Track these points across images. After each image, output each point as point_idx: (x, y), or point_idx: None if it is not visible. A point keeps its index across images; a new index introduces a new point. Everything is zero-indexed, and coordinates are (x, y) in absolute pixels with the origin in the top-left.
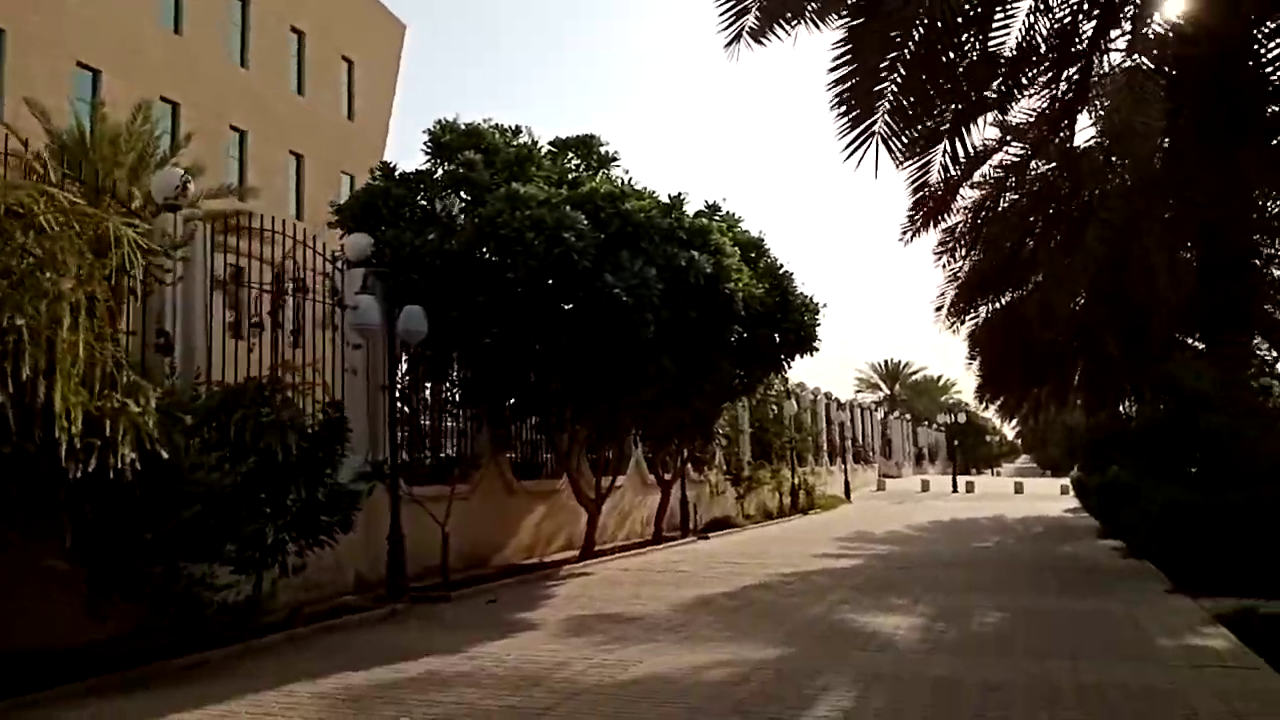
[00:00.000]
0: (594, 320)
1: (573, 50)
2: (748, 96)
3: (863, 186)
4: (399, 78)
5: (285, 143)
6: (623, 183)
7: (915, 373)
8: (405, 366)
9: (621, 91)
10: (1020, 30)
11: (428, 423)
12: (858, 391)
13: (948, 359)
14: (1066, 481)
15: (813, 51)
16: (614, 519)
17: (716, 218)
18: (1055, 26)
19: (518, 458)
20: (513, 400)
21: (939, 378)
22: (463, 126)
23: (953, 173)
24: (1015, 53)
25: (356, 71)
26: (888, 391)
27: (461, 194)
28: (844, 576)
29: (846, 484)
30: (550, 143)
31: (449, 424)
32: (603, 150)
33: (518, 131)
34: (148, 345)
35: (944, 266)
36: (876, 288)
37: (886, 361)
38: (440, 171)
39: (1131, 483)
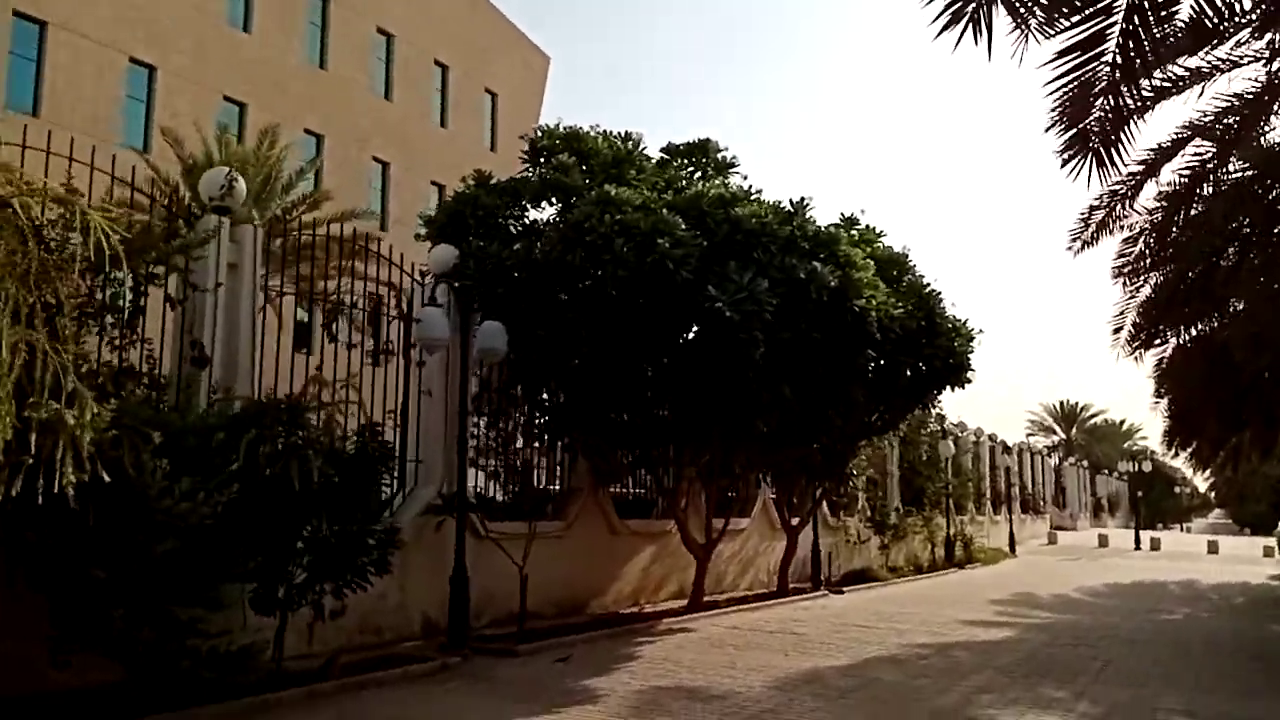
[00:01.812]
0: (697, 339)
1: (725, 77)
2: (904, 108)
3: (1043, 213)
4: (542, 108)
5: (427, 174)
6: (738, 189)
7: (1094, 415)
8: (494, 389)
9: (770, 121)
10: None
11: (520, 452)
12: (1029, 434)
13: (1131, 402)
14: (1271, 543)
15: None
16: (734, 566)
17: (853, 231)
18: None
19: (626, 493)
20: (609, 430)
21: (1121, 422)
22: (562, 130)
23: (1133, 164)
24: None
25: (500, 103)
26: (1063, 435)
27: (553, 200)
28: (992, 652)
29: (1011, 536)
30: (662, 149)
31: (546, 455)
32: (720, 156)
33: (626, 137)
34: (184, 359)
35: (1124, 284)
36: (1055, 326)
37: (1062, 403)
38: (533, 177)
39: None
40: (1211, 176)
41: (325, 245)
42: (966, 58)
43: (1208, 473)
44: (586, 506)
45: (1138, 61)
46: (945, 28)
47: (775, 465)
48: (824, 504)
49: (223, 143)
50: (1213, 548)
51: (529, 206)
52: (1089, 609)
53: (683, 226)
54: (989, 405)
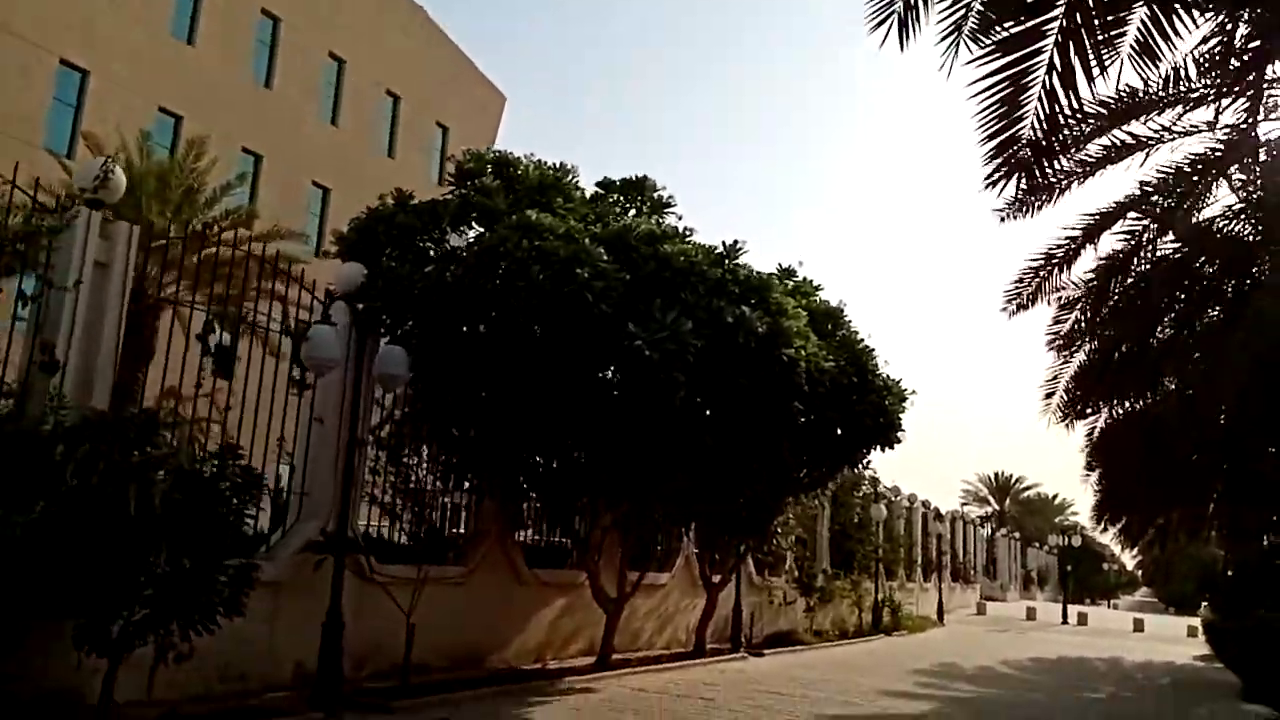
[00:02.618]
0: (616, 379)
1: (680, 123)
2: (854, 168)
3: (984, 286)
4: (494, 145)
5: (370, 201)
6: (669, 227)
7: (1028, 488)
8: (395, 417)
9: (719, 177)
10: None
11: (420, 490)
12: (964, 504)
13: (1064, 477)
14: (1195, 622)
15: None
16: (652, 623)
17: (790, 282)
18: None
19: (539, 540)
20: (519, 471)
21: (1054, 496)
22: (492, 155)
23: (1070, 229)
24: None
25: (451, 137)
26: (996, 507)
27: (473, 223)
28: None
29: (940, 604)
30: (597, 183)
31: (451, 495)
32: (656, 195)
33: (559, 167)
34: (35, 361)
35: (1057, 350)
36: (992, 398)
37: (997, 474)
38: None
39: None
40: (1148, 248)
41: (231, 261)
42: (915, 117)
43: (1135, 550)
44: (492, 552)
45: (1076, 65)
46: (875, 27)
47: (697, 518)
48: (750, 562)
49: (143, 151)
50: (1139, 625)
51: (449, 230)
52: (1011, 683)
53: (605, 258)
54: (924, 472)
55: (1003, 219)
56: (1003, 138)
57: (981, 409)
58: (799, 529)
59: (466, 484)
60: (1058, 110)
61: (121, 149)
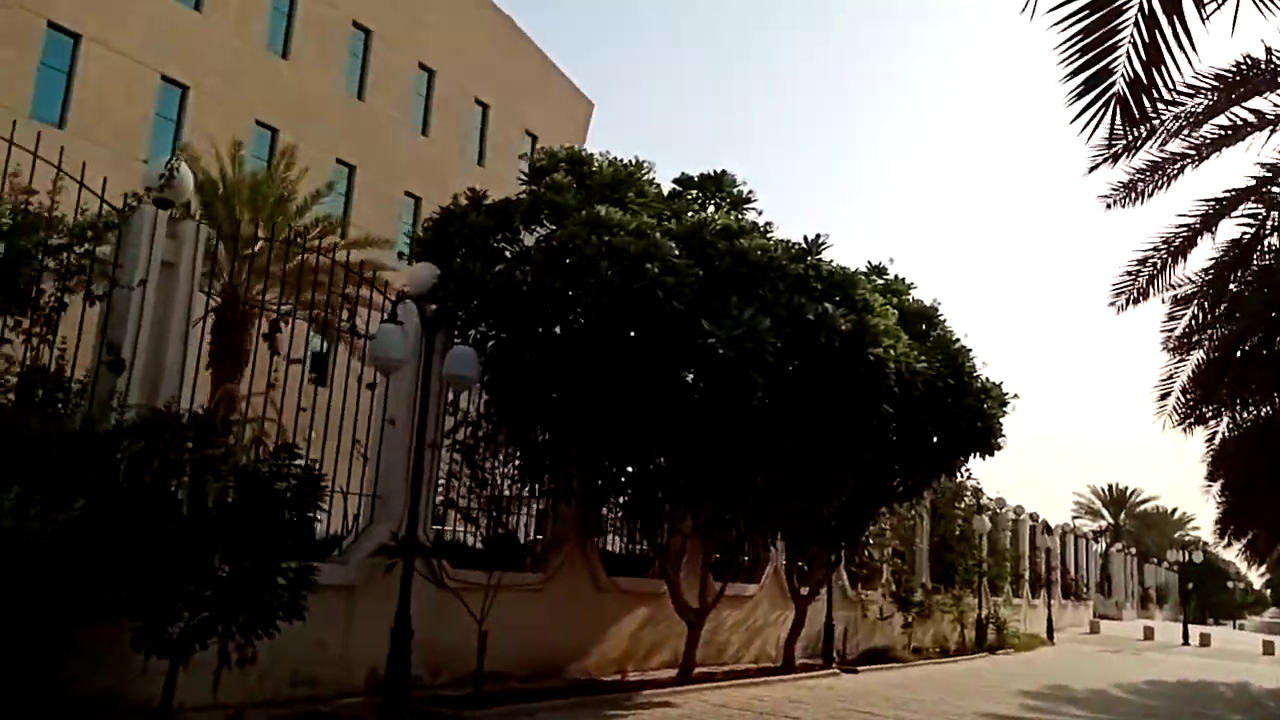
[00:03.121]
0: (692, 380)
1: (766, 135)
2: (959, 171)
3: (1091, 285)
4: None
5: None
6: (748, 222)
7: (1145, 501)
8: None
9: (811, 178)
10: None
11: (495, 493)
12: (1075, 517)
13: (1184, 490)
14: None
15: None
16: (739, 636)
17: (880, 280)
18: None
19: (624, 547)
20: (595, 475)
21: (1173, 510)
22: (565, 153)
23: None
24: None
25: (539, 145)
26: (1111, 520)
27: (545, 221)
28: None
29: (1050, 622)
30: (674, 180)
31: (529, 500)
32: (736, 190)
33: (635, 162)
34: (101, 361)
35: (1172, 349)
36: (1108, 408)
37: (1111, 486)
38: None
39: None
40: (1272, 237)
41: (316, 267)
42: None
43: (1264, 567)
44: (570, 559)
45: None
46: None
47: (781, 526)
48: (844, 574)
49: (236, 160)
50: (1269, 648)
51: (521, 229)
52: (1127, 709)
53: (677, 253)
54: (1034, 484)
55: (1108, 206)
56: (1093, 69)
57: (1096, 418)
58: (895, 540)
59: (542, 489)
60: (1158, 36)
61: (217, 160)
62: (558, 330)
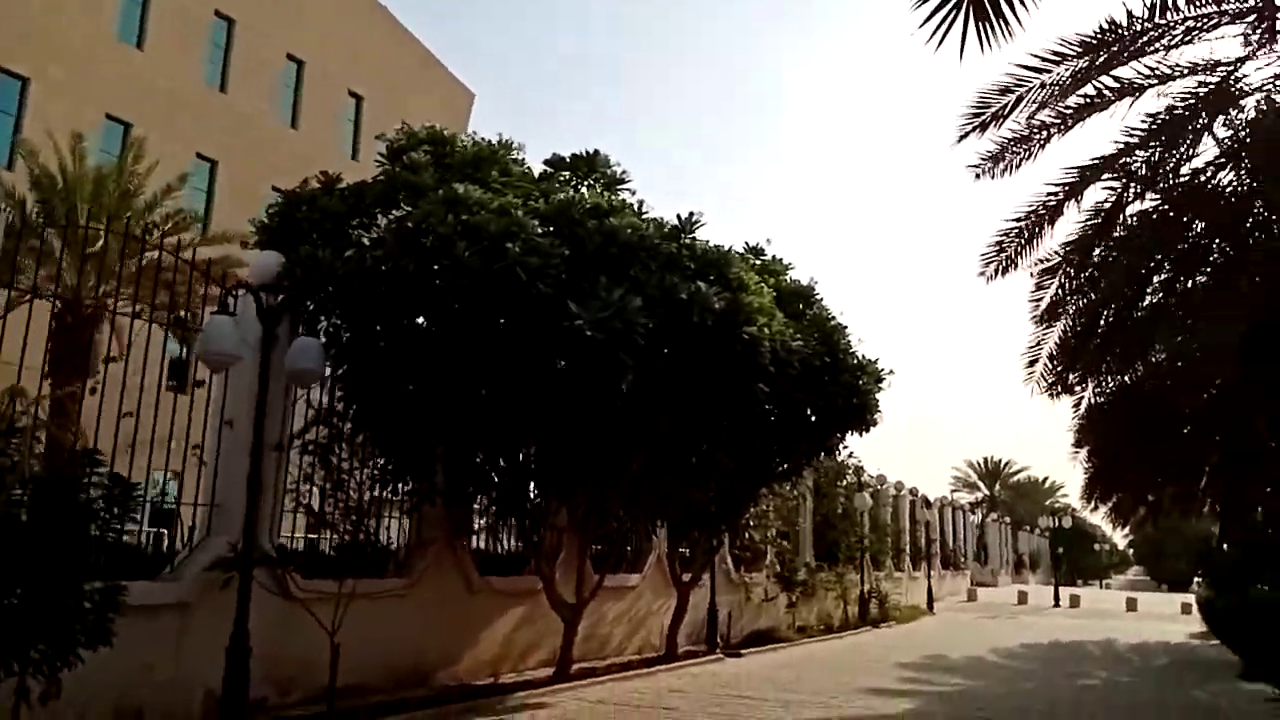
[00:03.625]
0: (557, 365)
1: (642, 116)
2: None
3: (969, 269)
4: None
5: None
6: (619, 202)
7: (1018, 472)
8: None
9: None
10: None
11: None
12: (953, 490)
13: (1054, 461)
14: (1189, 599)
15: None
16: (622, 628)
17: (758, 260)
18: None
19: (494, 547)
20: (460, 472)
21: (1044, 479)
22: (424, 133)
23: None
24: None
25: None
26: (986, 492)
27: (400, 203)
28: None
29: (930, 593)
30: (545, 161)
31: (387, 502)
32: (610, 170)
33: (502, 143)
34: None
35: (1038, 320)
36: (980, 383)
37: (986, 459)
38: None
39: None
40: (1133, 208)
41: (163, 264)
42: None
43: (1127, 529)
44: (438, 561)
45: None
46: None
47: (661, 513)
48: (728, 559)
49: (76, 153)
50: (1131, 605)
51: (377, 213)
52: (1001, 673)
53: (541, 232)
54: (913, 461)
55: (977, 176)
56: None
57: (971, 393)
58: (779, 521)
59: (404, 488)
60: None
61: (55, 153)
62: (420, 320)
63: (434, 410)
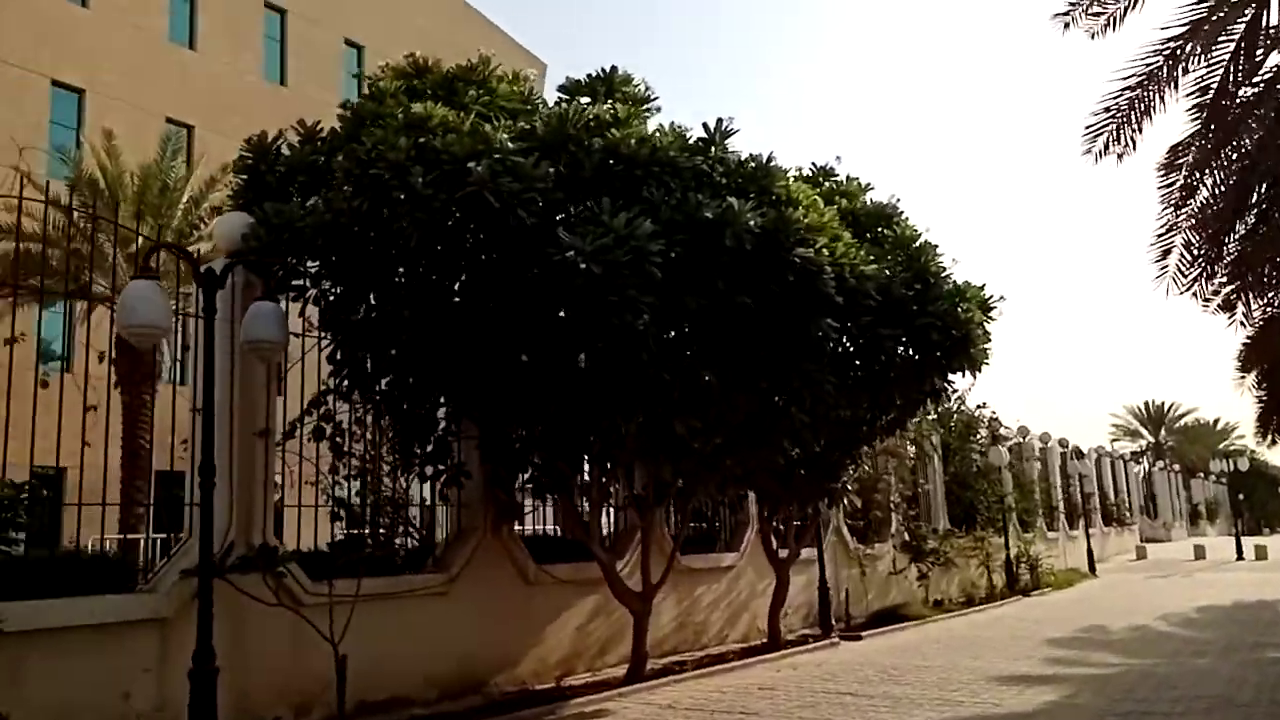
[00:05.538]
0: (557, 313)
1: (728, 59)
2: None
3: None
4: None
5: None
6: (629, 112)
7: (1185, 415)
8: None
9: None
10: None
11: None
12: (1114, 440)
13: (1226, 399)
14: None
15: None
16: (719, 614)
17: (828, 182)
18: None
19: (556, 532)
20: (498, 450)
21: (1215, 420)
22: (408, 66)
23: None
24: None
25: None
26: (1151, 439)
27: (362, 139)
28: None
29: (1090, 553)
30: (559, 87)
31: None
32: (632, 89)
33: (482, 60)
34: None
35: (1172, 202)
36: (1140, 327)
37: (1148, 404)
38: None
39: None
40: None
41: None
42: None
43: None
44: (483, 551)
45: None
46: None
47: (726, 483)
48: (842, 529)
49: (112, 153)
50: None
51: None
52: (1172, 648)
53: (510, 147)
54: (1062, 413)
55: (1066, 26)
56: None
57: (1128, 340)
58: (899, 484)
59: (432, 473)
60: None
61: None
62: (402, 270)
63: (426, 379)
